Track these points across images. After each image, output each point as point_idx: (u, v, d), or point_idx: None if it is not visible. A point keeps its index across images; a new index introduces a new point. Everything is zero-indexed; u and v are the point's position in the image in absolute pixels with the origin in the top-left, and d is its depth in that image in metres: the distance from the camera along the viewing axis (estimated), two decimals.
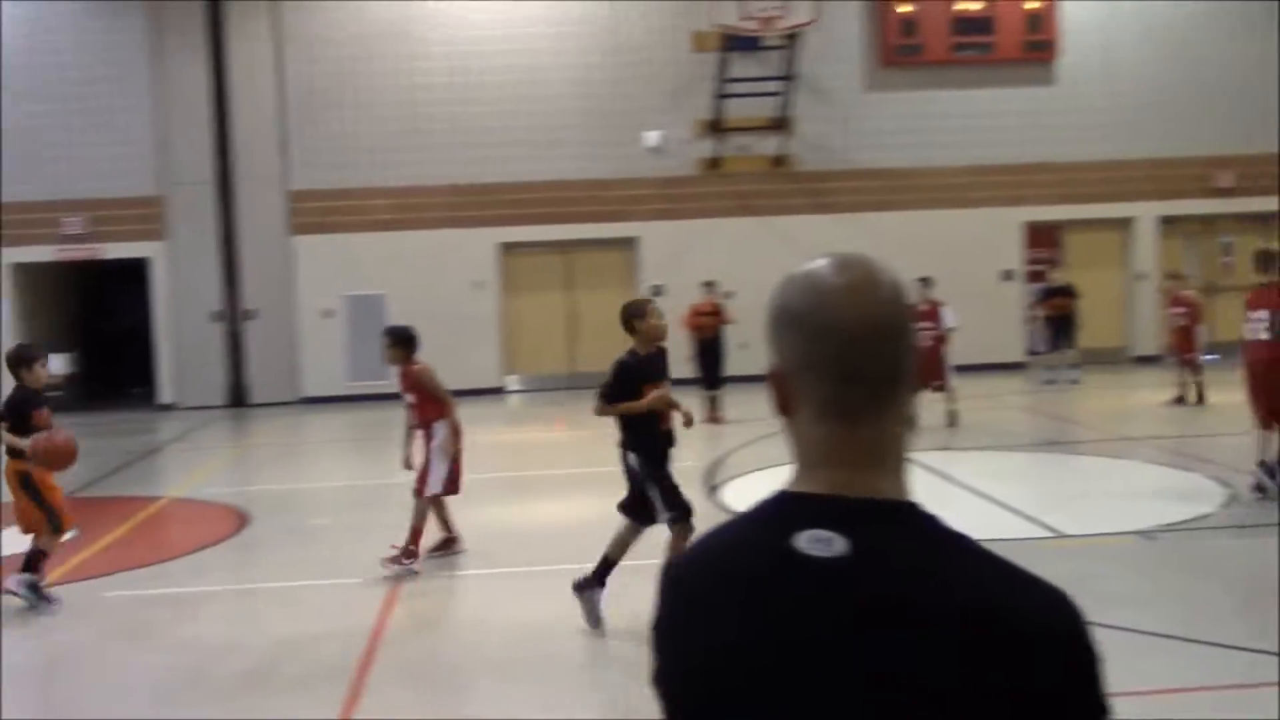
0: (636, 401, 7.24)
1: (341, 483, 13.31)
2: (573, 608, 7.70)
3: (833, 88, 20.33)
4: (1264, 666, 6.25)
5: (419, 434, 8.99)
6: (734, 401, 15.14)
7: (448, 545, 9.20)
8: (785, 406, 1.49)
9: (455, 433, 8.88)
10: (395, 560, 8.58)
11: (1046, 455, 13.31)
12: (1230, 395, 15.94)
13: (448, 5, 19.78)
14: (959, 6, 20.28)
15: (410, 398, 8.96)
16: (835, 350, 1.42)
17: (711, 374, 15.53)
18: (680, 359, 16.88)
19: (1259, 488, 9.88)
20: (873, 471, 1.44)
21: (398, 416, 17.43)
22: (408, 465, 9.15)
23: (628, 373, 7.34)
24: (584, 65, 20.01)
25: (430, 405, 8.86)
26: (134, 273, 19.98)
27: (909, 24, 20.26)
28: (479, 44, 19.81)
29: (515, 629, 7.55)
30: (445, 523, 9.19)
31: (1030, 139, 20.62)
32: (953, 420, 14.34)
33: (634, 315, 7.46)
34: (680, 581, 1.54)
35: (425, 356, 9.32)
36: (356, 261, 19.70)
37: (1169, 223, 21.18)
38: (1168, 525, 9.25)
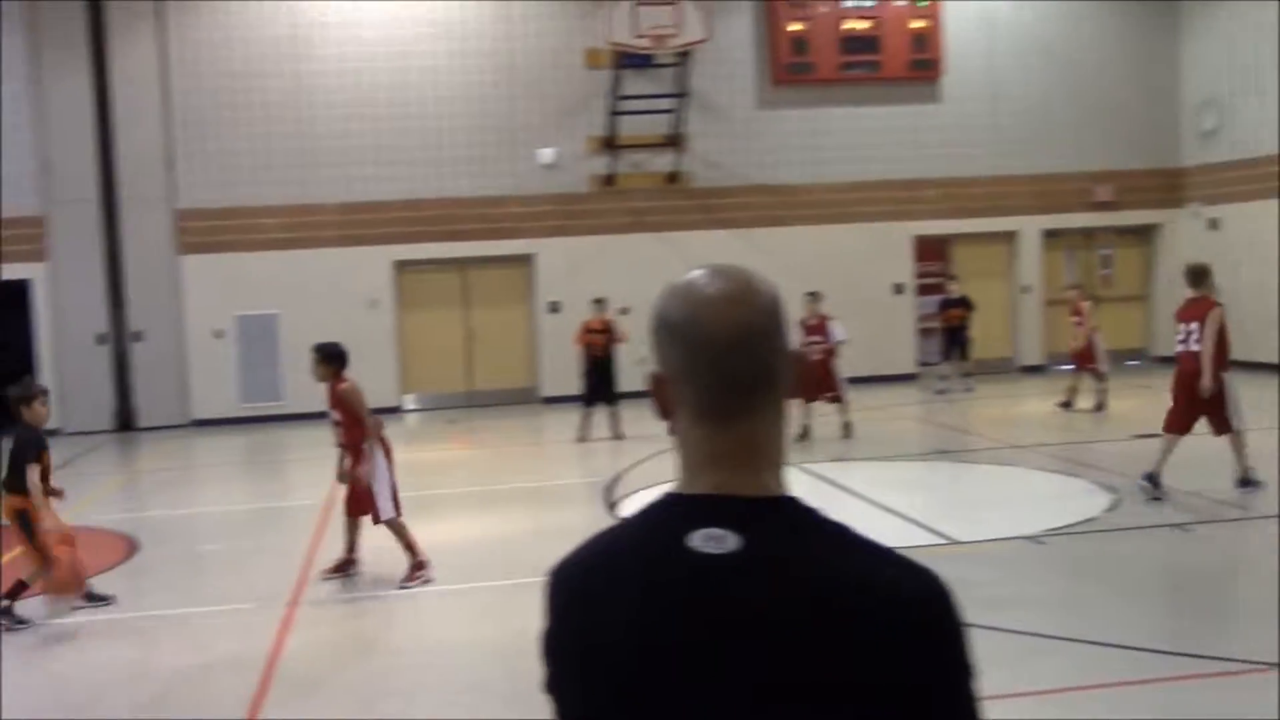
0: None
1: (234, 507, 13.04)
2: (472, 628, 7.66)
3: (725, 105, 20.55)
4: (1149, 663, 6.47)
5: (345, 453, 8.90)
6: (630, 417, 15.18)
7: (345, 567, 9.08)
8: (667, 411, 1.57)
9: (386, 452, 8.84)
10: (410, 580, 8.64)
11: (939, 464, 13.56)
12: (1118, 402, 16.51)
13: (337, 19, 19.57)
14: (847, 26, 20.64)
15: (336, 415, 8.86)
16: (710, 358, 1.50)
17: (604, 391, 15.48)
18: (573, 376, 16.94)
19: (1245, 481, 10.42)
20: (754, 470, 1.52)
21: (292, 438, 17.32)
22: (342, 479, 9.04)
23: None
24: (477, 83, 19.95)
25: (356, 425, 8.78)
26: (15, 295, 19.38)
27: (799, 43, 20.57)
28: (370, 60, 19.64)
29: (414, 651, 7.49)
30: (352, 544, 9.06)
31: (918, 155, 21.06)
32: (847, 431, 14.53)
33: None
34: (571, 586, 1.57)
35: None
36: (247, 281, 19.37)
37: (1051, 236, 21.78)
38: (1055, 529, 9.51)
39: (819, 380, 14.27)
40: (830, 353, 14.50)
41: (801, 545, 1.46)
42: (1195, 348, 10.39)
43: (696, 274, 1.56)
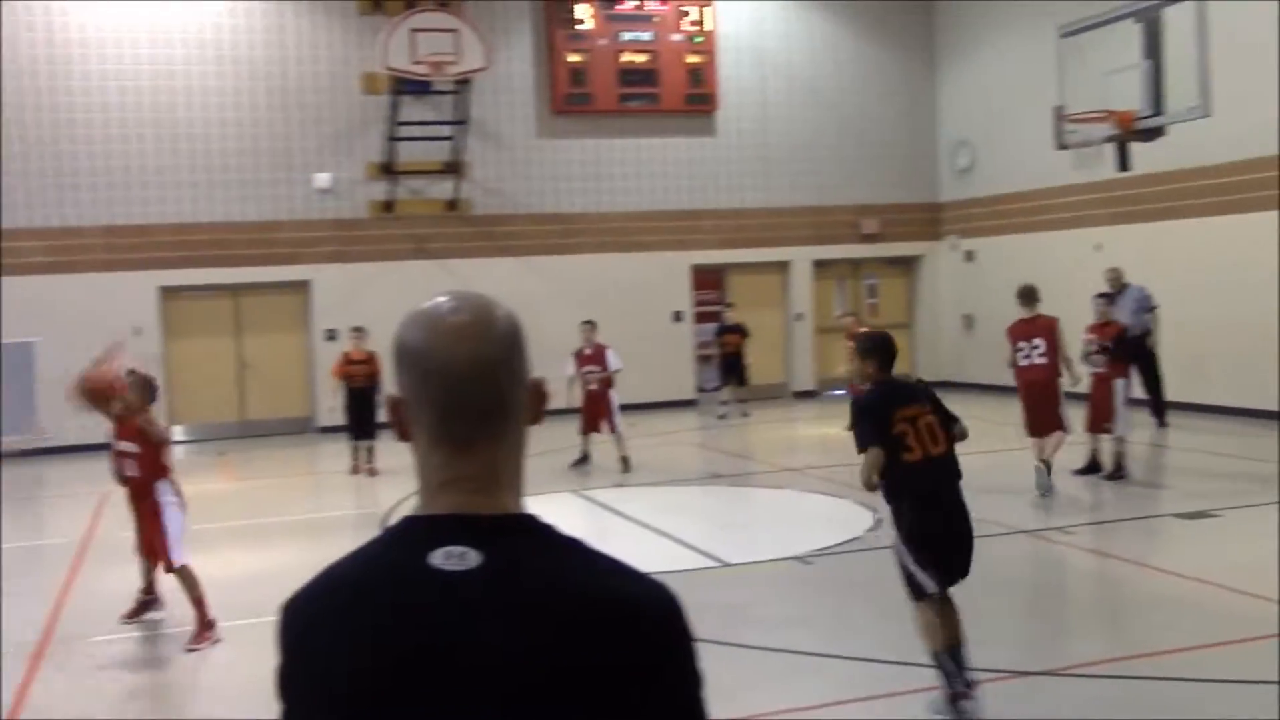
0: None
1: None
2: (241, 666, 7.44)
3: (506, 133, 20.63)
4: (906, 676, 6.78)
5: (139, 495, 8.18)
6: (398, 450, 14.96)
7: (146, 607, 8.41)
8: (404, 433, 1.61)
9: (177, 491, 8.24)
10: (199, 642, 7.91)
11: (715, 488, 13.88)
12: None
13: (98, 35, 18.77)
14: (625, 59, 21.03)
15: (134, 447, 8.06)
16: (444, 387, 1.55)
17: (365, 424, 14.92)
18: (328, 409, 16.41)
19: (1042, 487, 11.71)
20: (491, 492, 1.56)
21: (49, 473, 16.38)
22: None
23: None
24: (250, 105, 19.45)
25: (154, 461, 8.11)
26: None
27: (578, 73, 20.82)
28: (136, 78, 18.89)
29: (181, 692, 7.22)
30: (149, 582, 8.39)
31: (695, 186, 21.60)
32: (626, 466, 14.26)
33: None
34: (304, 618, 1.56)
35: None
36: (2, 307, 18.29)
37: (821, 266, 22.64)
38: (821, 549, 9.87)
39: (598, 410, 14.32)
40: (607, 382, 14.51)
41: (540, 560, 1.51)
42: (1040, 361, 11.68)
43: (436, 302, 1.59)
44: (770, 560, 9.62)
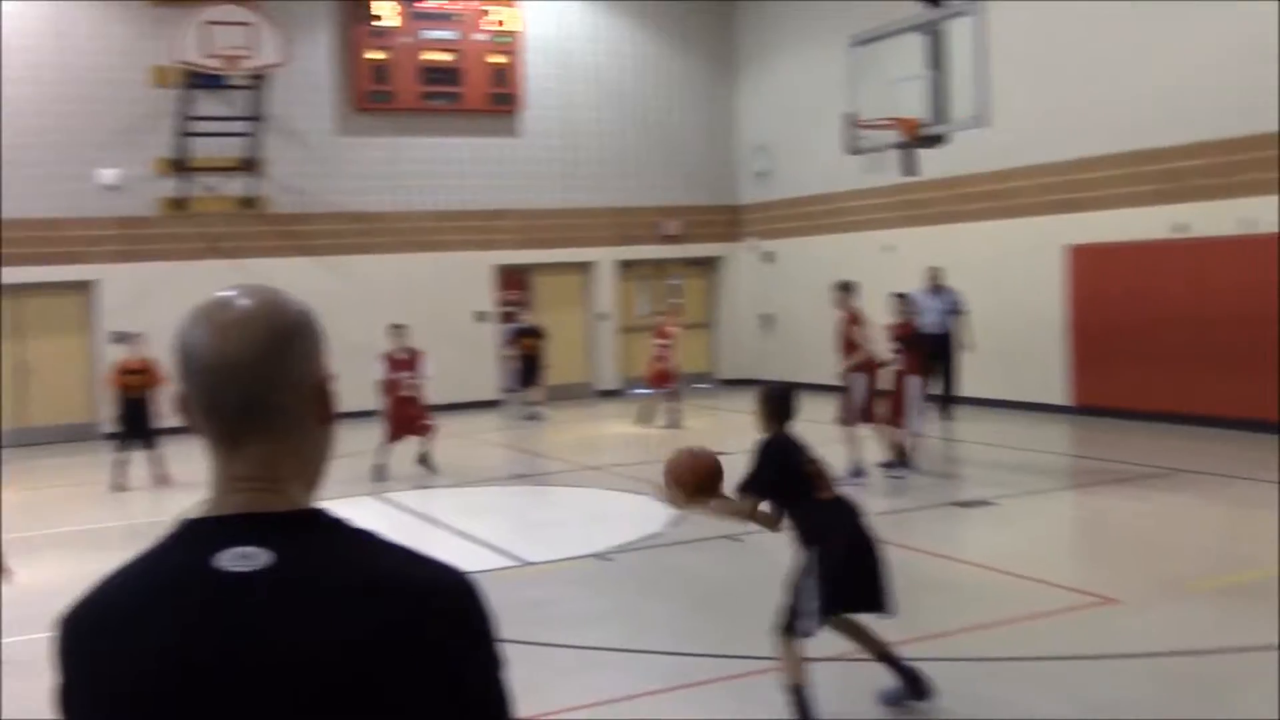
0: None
1: None
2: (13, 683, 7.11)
3: (305, 130, 20.16)
4: (699, 667, 6.93)
5: None
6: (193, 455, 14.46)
7: None
8: (193, 428, 1.58)
9: None
10: None
11: (517, 488, 13.89)
12: (698, 421, 17.57)
13: None
14: (427, 56, 20.82)
15: None
16: (202, 381, 1.54)
17: (143, 434, 14.20)
18: (106, 419, 15.76)
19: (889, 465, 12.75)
20: (277, 490, 1.53)
21: None
22: None
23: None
24: (30, 96, 18.46)
25: None
26: None
27: (380, 71, 20.51)
28: None
29: None
30: None
31: (498, 186, 21.54)
32: (428, 466, 14.14)
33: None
34: (83, 632, 1.50)
35: None
36: None
37: (625, 266, 22.88)
38: (622, 546, 10.00)
39: (412, 415, 14.06)
40: (418, 388, 14.24)
41: (333, 554, 1.48)
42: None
43: (215, 298, 1.57)
44: (571, 558, 9.69)
